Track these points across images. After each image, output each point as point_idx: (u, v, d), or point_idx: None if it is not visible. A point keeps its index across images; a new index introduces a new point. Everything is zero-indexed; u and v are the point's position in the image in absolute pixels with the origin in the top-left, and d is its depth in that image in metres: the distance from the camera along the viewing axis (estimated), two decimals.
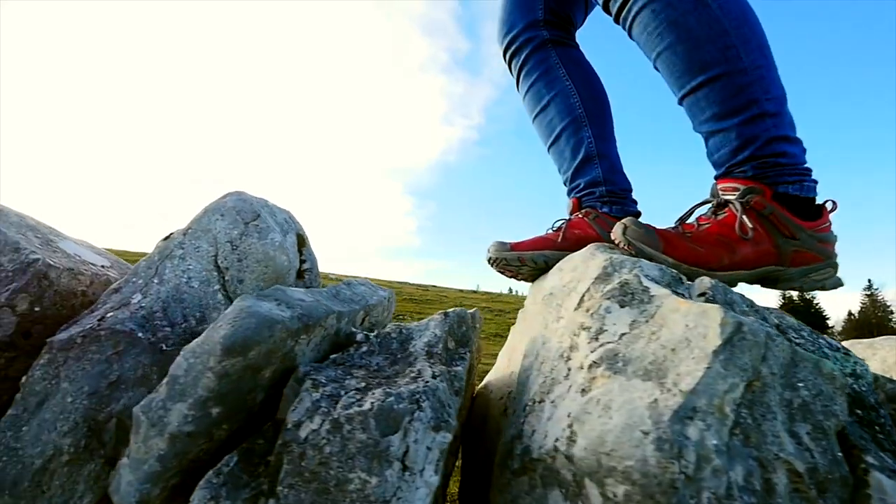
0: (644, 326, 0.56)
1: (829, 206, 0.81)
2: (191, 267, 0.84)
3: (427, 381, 0.62)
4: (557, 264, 0.86)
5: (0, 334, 0.75)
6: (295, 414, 0.56)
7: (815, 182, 0.80)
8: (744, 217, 0.76)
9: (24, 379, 0.71)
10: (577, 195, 1.06)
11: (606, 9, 0.90)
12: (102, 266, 0.97)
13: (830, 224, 0.81)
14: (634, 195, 1.08)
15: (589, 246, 0.82)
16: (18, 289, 0.77)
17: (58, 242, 0.93)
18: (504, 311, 16.41)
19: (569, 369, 0.60)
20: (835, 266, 0.80)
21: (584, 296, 0.67)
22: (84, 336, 0.72)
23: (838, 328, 43.73)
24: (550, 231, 1.02)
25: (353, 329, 0.83)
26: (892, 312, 43.54)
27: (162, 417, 0.57)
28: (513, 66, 1.13)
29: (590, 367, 0.56)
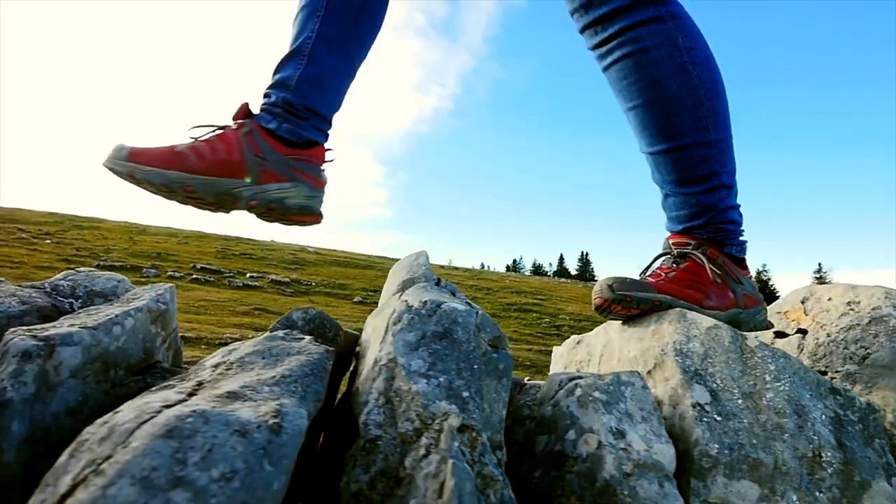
0: None
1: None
2: None
3: None
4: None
5: None
6: None
7: (746, 243, 0.94)
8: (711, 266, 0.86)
9: None
10: (265, 91, 0.86)
11: (583, 28, 0.86)
12: None
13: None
14: None
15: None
16: None
17: None
18: (493, 289, 16.57)
19: None
20: (764, 309, 0.94)
21: None
22: None
23: None
24: (199, 140, 0.81)
25: None
26: None
27: None
28: None
29: None
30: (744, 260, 0.93)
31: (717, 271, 0.88)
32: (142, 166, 0.75)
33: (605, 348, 0.99)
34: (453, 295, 0.88)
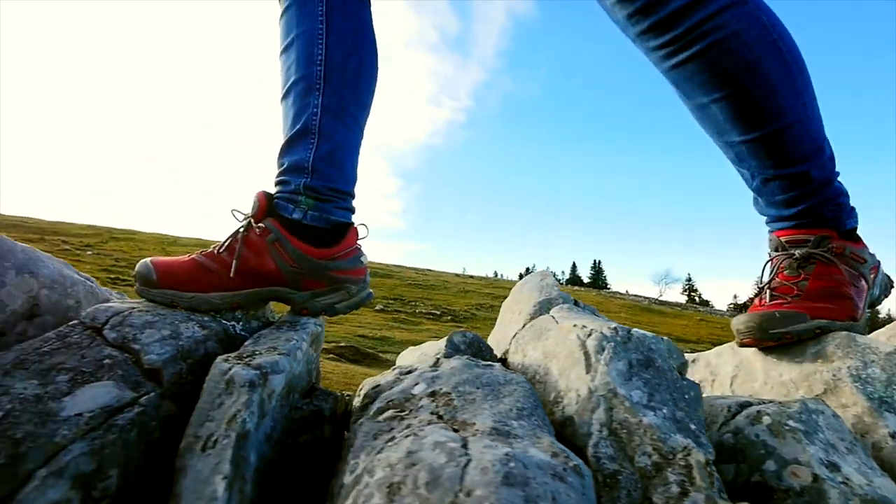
0: None
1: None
2: None
3: None
4: None
5: None
6: None
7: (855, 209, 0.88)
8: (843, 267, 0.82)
9: None
10: (276, 180, 0.81)
11: (647, 29, 0.77)
12: None
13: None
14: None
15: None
16: None
17: None
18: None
19: None
20: (882, 269, 0.91)
21: None
22: None
23: None
24: (222, 250, 0.77)
25: None
26: None
27: None
28: None
29: None
30: (855, 229, 0.88)
31: (853, 271, 0.83)
32: (180, 293, 0.72)
33: (739, 370, 0.96)
34: (596, 315, 0.87)
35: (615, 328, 0.63)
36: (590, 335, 0.64)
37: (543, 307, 0.88)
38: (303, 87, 0.79)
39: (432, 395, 0.54)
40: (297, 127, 0.79)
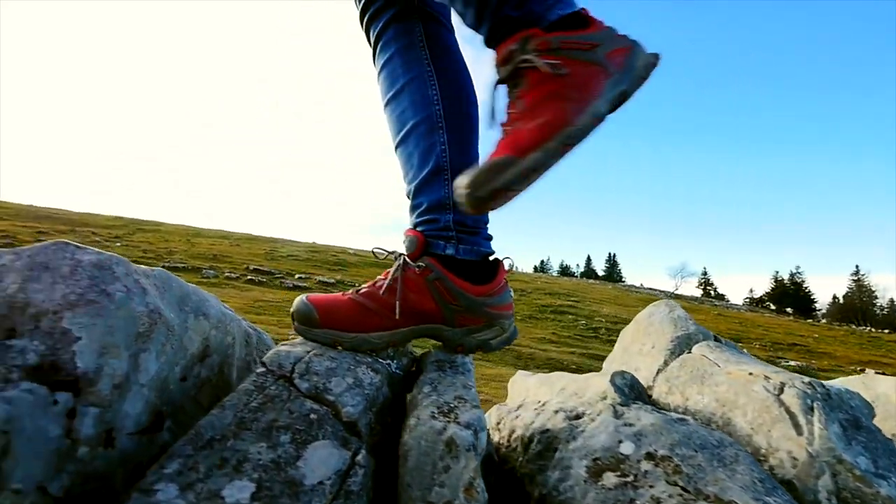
0: None
1: None
2: None
3: None
4: None
5: None
6: None
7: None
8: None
9: None
10: (419, 220, 0.80)
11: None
12: None
13: None
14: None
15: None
16: None
17: None
18: (526, 290, 16.45)
19: None
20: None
21: None
22: None
23: (824, 311, 46.40)
24: (379, 288, 0.76)
25: None
26: (876, 298, 46.42)
27: None
28: (371, 32, 0.85)
29: None
30: (575, 15, 0.65)
31: (575, 61, 0.61)
32: (341, 333, 0.72)
33: (876, 405, 0.94)
34: (741, 353, 0.85)
35: (809, 382, 0.62)
36: (782, 389, 0.62)
37: (682, 343, 0.87)
38: (425, 128, 0.80)
39: (650, 457, 0.53)
40: (429, 167, 0.80)
